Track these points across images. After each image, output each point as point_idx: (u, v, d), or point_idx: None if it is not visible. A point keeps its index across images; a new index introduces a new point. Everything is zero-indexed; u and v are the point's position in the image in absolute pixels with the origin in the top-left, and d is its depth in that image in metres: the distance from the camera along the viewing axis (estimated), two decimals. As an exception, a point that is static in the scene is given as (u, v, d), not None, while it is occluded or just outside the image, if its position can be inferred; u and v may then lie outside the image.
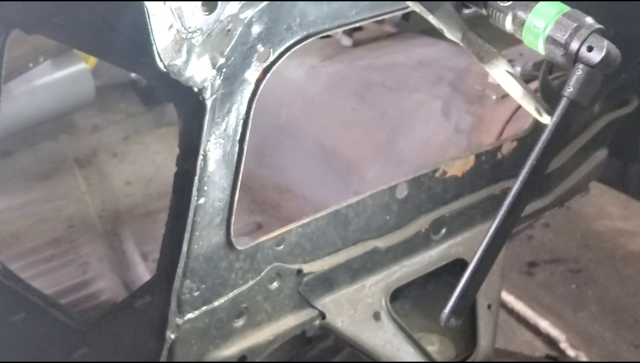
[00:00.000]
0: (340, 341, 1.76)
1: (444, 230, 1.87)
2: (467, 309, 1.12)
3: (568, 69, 1.12)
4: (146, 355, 1.53)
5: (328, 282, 1.69)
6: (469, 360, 1.92)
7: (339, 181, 2.22)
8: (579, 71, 1.10)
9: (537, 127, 1.89)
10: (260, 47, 1.27)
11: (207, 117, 1.27)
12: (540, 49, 1.15)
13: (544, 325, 2.88)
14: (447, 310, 1.11)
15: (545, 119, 1.23)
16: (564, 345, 2.81)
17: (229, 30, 1.21)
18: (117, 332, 1.57)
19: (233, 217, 1.42)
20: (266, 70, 1.31)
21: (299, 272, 1.61)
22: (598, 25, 1.11)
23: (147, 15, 1.10)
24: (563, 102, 1.11)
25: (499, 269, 1.98)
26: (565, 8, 1.13)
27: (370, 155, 2.23)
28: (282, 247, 1.56)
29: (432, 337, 1.92)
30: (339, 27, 1.38)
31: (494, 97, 2.19)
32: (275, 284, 1.58)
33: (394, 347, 1.78)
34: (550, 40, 1.12)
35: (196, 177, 1.32)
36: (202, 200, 1.35)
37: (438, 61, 2.42)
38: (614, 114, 2.23)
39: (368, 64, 2.47)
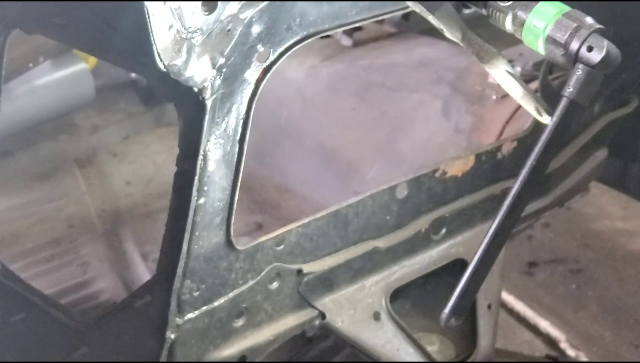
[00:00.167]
0: (340, 341, 1.76)
1: (444, 230, 1.87)
2: (467, 309, 1.12)
3: (568, 69, 1.12)
4: (146, 355, 1.53)
5: (328, 282, 1.69)
6: (469, 360, 1.92)
7: (339, 181, 2.22)
8: (579, 71, 1.10)
9: (537, 127, 1.89)
10: (260, 47, 1.27)
11: (207, 117, 1.27)
12: (540, 49, 1.15)
13: (544, 325, 2.88)
14: (447, 310, 1.11)
15: (545, 119, 1.23)
16: (564, 345, 2.81)
17: (229, 30, 1.21)
18: (117, 332, 1.57)
19: (233, 217, 1.42)
20: (266, 70, 1.30)
21: (299, 272, 1.61)
22: (598, 25, 1.10)
23: (147, 15, 1.10)
24: (563, 102, 1.11)
25: (499, 269, 1.98)
26: (565, 8, 1.13)
27: (370, 155, 2.23)
28: (282, 247, 1.56)
29: (432, 337, 1.92)
30: (339, 27, 1.38)
31: (494, 97, 2.19)
32: (275, 284, 1.58)
33: (394, 347, 1.78)
34: (550, 40, 1.12)
35: (196, 177, 1.32)
36: (202, 200, 1.35)
37: (438, 61, 2.42)
38: (614, 114, 2.23)
39: (368, 64, 2.47)
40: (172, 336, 1.47)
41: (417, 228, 1.81)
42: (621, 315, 2.94)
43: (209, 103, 1.26)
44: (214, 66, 1.23)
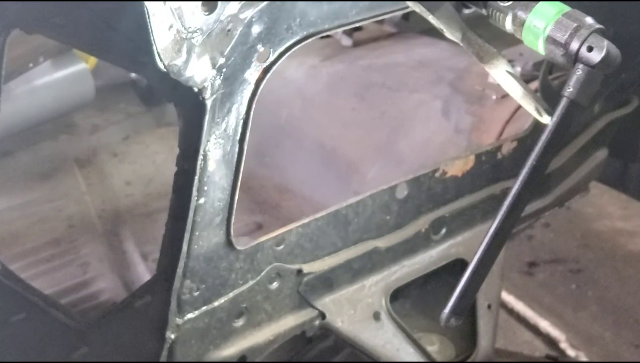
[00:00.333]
0: (340, 341, 1.76)
1: (444, 230, 1.87)
2: (467, 309, 1.12)
3: (568, 69, 1.12)
4: (146, 355, 1.53)
5: (328, 282, 1.69)
6: (469, 360, 1.92)
7: (339, 181, 2.22)
8: (579, 71, 1.09)
9: (537, 127, 1.89)
10: (260, 47, 1.27)
11: (207, 117, 1.27)
12: (540, 49, 1.15)
13: (544, 325, 2.88)
14: (447, 310, 1.11)
15: (545, 119, 1.23)
16: (564, 345, 2.81)
17: (229, 30, 1.21)
18: (117, 332, 1.57)
19: (233, 217, 1.42)
20: (266, 70, 1.30)
21: (299, 272, 1.61)
22: (598, 25, 1.10)
23: (147, 15, 1.10)
24: (563, 102, 1.11)
25: (499, 269, 1.98)
26: (565, 8, 1.13)
27: (370, 155, 2.23)
28: (282, 247, 1.56)
29: (432, 337, 1.92)
30: (339, 27, 1.38)
31: (494, 97, 2.19)
32: (275, 284, 1.58)
33: (394, 347, 1.78)
34: (550, 40, 1.12)
35: (196, 177, 1.32)
36: (202, 200, 1.35)
37: (438, 61, 2.42)
38: (614, 114, 2.23)
39: (368, 64, 2.47)
40: (172, 336, 1.47)
41: (417, 228, 1.81)
42: (621, 315, 2.94)
43: (209, 103, 1.26)
44: (214, 66, 1.23)
